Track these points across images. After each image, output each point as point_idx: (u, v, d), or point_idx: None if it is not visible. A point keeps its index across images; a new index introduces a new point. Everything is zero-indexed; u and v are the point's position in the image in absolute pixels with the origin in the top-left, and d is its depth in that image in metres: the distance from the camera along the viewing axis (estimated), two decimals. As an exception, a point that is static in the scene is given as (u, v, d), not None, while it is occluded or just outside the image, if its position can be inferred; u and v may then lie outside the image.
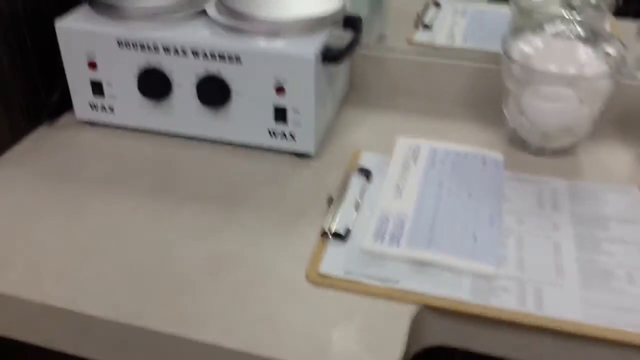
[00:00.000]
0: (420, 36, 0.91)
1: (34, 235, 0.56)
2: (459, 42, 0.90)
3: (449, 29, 0.94)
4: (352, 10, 0.71)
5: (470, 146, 0.68)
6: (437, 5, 0.97)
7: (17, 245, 0.55)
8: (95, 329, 0.49)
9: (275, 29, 0.64)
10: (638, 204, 0.60)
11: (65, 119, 0.73)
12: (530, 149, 0.68)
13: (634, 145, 0.70)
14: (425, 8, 0.96)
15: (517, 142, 0.69)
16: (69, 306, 0.49)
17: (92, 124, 0.72)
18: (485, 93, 0.76)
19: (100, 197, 0.61)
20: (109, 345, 0.49)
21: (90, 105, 0.70)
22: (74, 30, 0.66)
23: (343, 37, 0.69)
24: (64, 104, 0.71)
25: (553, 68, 0.63)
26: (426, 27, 0.93)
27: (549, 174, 0.65)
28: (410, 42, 0.89)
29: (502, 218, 0.58)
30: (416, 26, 0.92)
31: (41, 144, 0.68)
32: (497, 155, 0.67)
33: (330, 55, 0.64)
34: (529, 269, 0.53)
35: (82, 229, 0.57)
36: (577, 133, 0.66)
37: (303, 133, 0.65)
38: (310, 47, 0.62)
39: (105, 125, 0.71)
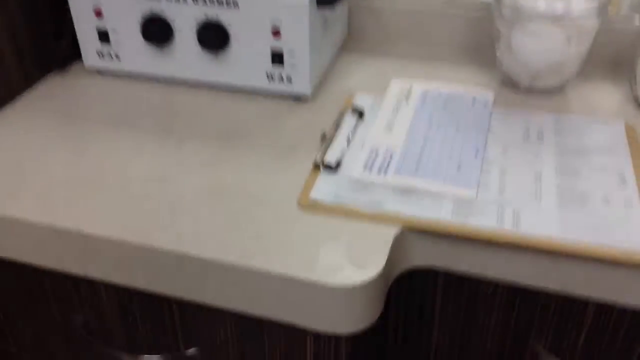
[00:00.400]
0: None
1: (45, 168, 0.60)
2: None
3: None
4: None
5: (462, 87, 0.70)
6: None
7: (29, 176, 0.59)
8: (101, 249, 0.53)
9: (272, -25, 0.66)
10: (622, 136, 0.62)
11: (75, 67, 0.76)
12: (520, 89, 0.70)
13: (625, 86, 0.71)
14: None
15: (508, 83, 0.71)
16: (76, 228, 0.53)
17: (100, 72, 0.75)
18: (479, 39, 0.78)
19: (106, 136, 0.64)
20: (113, 264, 0.53)
21: (98, 54, 0.73)
22: (80, -20, 0.69)
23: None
24: (74, 54, 0.75)
25: (540, 5, 0.64)
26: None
27: (537, 110, 0.67)
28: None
29: (487, 150, 0.61)
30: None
31: (52, 90, 0.72)
32: (487, 94, 0.69)
33: (324, 0, 0.67)
34: (509, 194, 0.55)
35: (89, 163, 0.60)
36: (565, 72, 0.68)
37: (299, 75, 0.68)
38: (304, -10, 0.65)
39: (113, 73, 0.75)
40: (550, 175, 0.57)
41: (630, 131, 0.63)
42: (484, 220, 0.52)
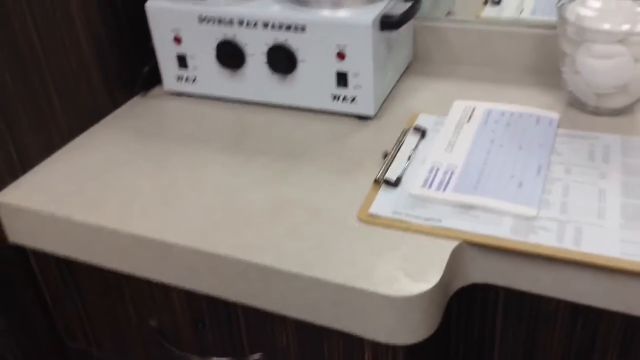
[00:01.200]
0: (489, 11, 0.94)
1: (125, 180, 0.65)
2: (526, 14, 0.92)
3: (518, 3, 0.95)
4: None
5: (527, 107, 0.71)
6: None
7: (113, 188, 0.64)
8: (174, 255, 0.57)
9: (338, 0, 0.70)
10: (693, 156, 0.61)
11: (155, 90, 0.82)
12: (587, 110, 0.70)
13: (699, 105, 0.69)
14: (496, -15, 0.98)
15: (575, 104, 0.71)
16: (153, 235, 0.57)
17: (178, 94, 0.81)
18: (545, 60, 0.78)
19: (181, 152, 0.69)
20: (185, 269, 0.57)
21: (176, 78, 0.79)
22: (161, 9, 0.75)
23: (403, 7, 0.73)
24: (155, 78, 0.81)
25: (605, 26, 0.64)
26: (495, 2, 0.96)
27: (604, 132, 0.66)
28: (478, 17, 0.92)
29: (551, 168, 0.61)
30: (485, 2, 0.95)
31: (135, 110, 0.78)
32: (552, 114, 0.69)
33: (388, 23, 0.69)
34: (571, 212, 0.55)
35: (165, 176, 0.65)
36: (633, 92, 0.67)
37: (363, 96, 0.71)
38: (369, 15, 0.67)
39: (189, 95, 0.80)
40: (615, 195, 0.57)
41: (702, 151, 0.61)
42: (544, 238, 0.52)
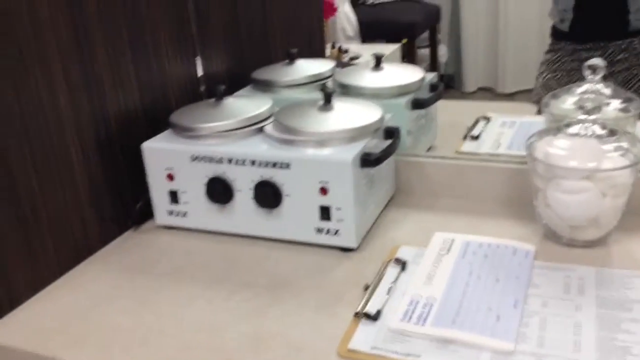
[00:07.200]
0: (468, 146, 0.99)
1: (108, 318, 0.66)
2: (503, 149, 0.97)
3: (496, 138, 1.01)
4: (393, 124, 0.81)
5: (504, 240, 0.73)
6: (487, 119, 1.06)
7: (92, 326, 0.64)
8: (151, 394, 0.56)
9: (322, 140, 0.74)
10: (667, 288, 0.62)
11: (147, 224, 0.85)
12: (562, 242, 0.72)
13: (670, 236, 0.71)
14: (475, 122, 1.05)
15: (550, 236, 0.73)
16: (131, 373, 0.57)
17: (169, 227, 0.83)
18: (520, 192, 0.81)
19: (167, 286, 0.70)
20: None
21: (168, 212, 0.82)
22: (156, 149, 0.80)
23: (383, 145, 0.78)
24: (147, 213, 0.84)
25: (572, 163, 0.68)
26: (474, 138, 1.01)
27: (579, 263, 0.68)
28: (458, 152, 0.97)
29: (528, 301, 0.62)
30: (465, 138, 1.01)
31: (125, 245, 0.80)
32: (528, 247, 0.71)
33: (367, 160, 0.73)
34: (548, 346, 0.55)
35: (149, 312, 0.66)
36: (604, 224, 0.70)
37: (345, 229, 0.73)
38: (350, 153, 0.72)
39: (180, 229, 0.83)
40: (590, 327, 0.57)
41: (676, 283, 0.63)
42: (520, 373, 0.52)
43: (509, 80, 2.14)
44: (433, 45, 2.23)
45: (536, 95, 1.16)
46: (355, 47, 1.73)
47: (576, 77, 0.98)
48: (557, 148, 0.71)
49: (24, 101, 0.68)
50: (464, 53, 2.33)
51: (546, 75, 1.15)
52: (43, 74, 0.70)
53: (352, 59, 1.58)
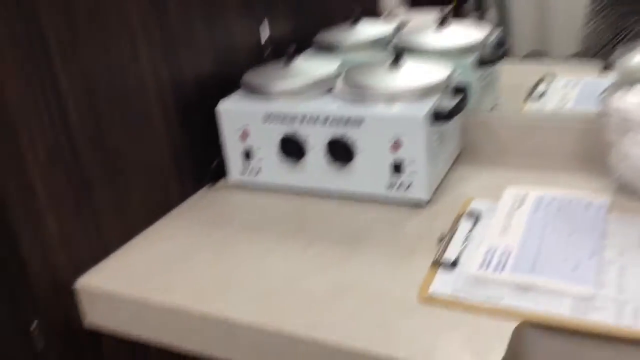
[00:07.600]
0: (533, 105, 0.99)
1: (191, 266, 0.69)
2: (569, 107, 0.96)
3: (561, 97, 1.00)
4: (461, 81, 0.82)
5: (577, 193, 0.73)
6: (550, 77, 1.05)
7: (180, 273, 0.68)
8: (240, 334, 0.60)
9: (394, 97, 0.75)
10: None
11: (221, 182, 0.88)
12: (636, 194, 0.72)
13: None
14: (538, 82, 1.04)
15: (625, 190, 0.73)
16: (221, 314, 0.60)
17: (242, 186, 0.86)
18: (589, 150, 0.81)
19: (244, 239, 0.74)
20: (251, 348, 0.60)
21: (241, 171, 0.85)
22: (230, 110, 0.82)
23: (451, 102, 0.78)
24: (221, 172, 0.87)
25: (649, 115, 0.68)
26: (540, 96, 1.01)
27: (656, 215, 0.68)
28: (522, 111, 0.97)
29: (604, 252, 0.62)
30: (527, 98, 1.00)
31: (201, 202, 0.84)
32: (602, 200, 0.71)
33: (439, 116, 0.74)
34: (629, 292, 0.56)
35: (228, 263, 0.69)
36: (682, 176, 0.69)
37: (418, 182, 0.75)
38: (422, 109, 0.73)
39: (252, 187, 0.86)
40: (672, 274, 0.58)
41: None
42: (603, 317, 0.53)
43: (561, 42, 2.09)
44: (480, 8, 2.19)
45: (584, 45, 1.13)
46: (403, 13, 1.72)
47: (627, 22, 0.97)
48: (632, 102, 0.71)
49: (112, 64, 0.71)
50: (513, 15, 2.28)
51: (595, 23, 1.12)
52: (128, 40, 0.73)
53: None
